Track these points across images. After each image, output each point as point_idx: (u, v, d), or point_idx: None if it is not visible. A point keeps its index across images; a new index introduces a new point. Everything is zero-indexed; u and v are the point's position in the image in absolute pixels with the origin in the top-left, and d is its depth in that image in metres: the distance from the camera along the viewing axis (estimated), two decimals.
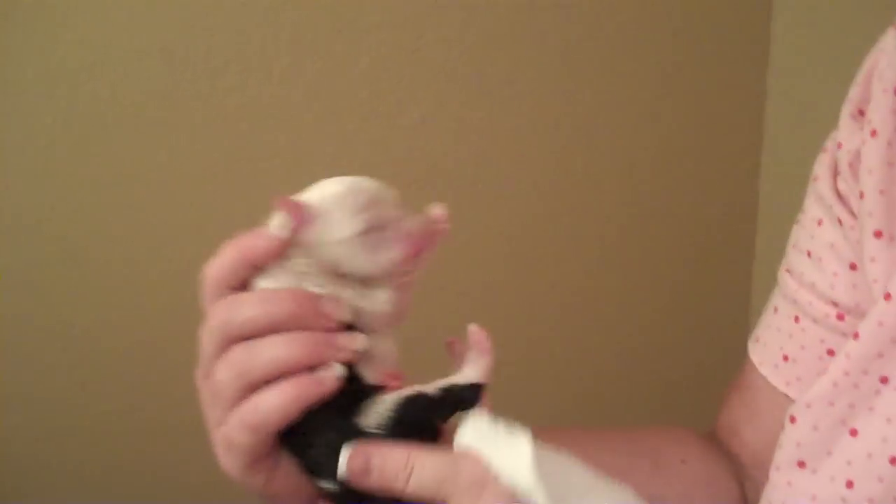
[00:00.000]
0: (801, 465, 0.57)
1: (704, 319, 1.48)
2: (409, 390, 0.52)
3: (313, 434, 0.51)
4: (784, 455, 0.58)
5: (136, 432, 1.23)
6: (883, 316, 0.54)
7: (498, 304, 1.34)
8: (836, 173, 0.63)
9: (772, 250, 1.42)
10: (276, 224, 0.53)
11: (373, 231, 0.53)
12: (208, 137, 1.18)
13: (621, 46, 1.34)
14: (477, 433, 0.51)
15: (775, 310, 0.67)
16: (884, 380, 0.54)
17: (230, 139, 1.19)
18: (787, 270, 0.66)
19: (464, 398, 0.53)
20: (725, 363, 1.47)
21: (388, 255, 0.53)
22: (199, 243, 1.20)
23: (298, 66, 1.19)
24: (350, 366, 0.52)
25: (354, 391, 0.52)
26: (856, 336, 0.56)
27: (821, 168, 0.65)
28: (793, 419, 0.58)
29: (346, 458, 0.50)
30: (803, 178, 1.32)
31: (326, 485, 0.51)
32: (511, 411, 0.53)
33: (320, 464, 0.51)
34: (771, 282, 0.70)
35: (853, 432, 0.55)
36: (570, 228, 1.37)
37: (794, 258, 0.65)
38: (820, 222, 0.63)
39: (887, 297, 0.54)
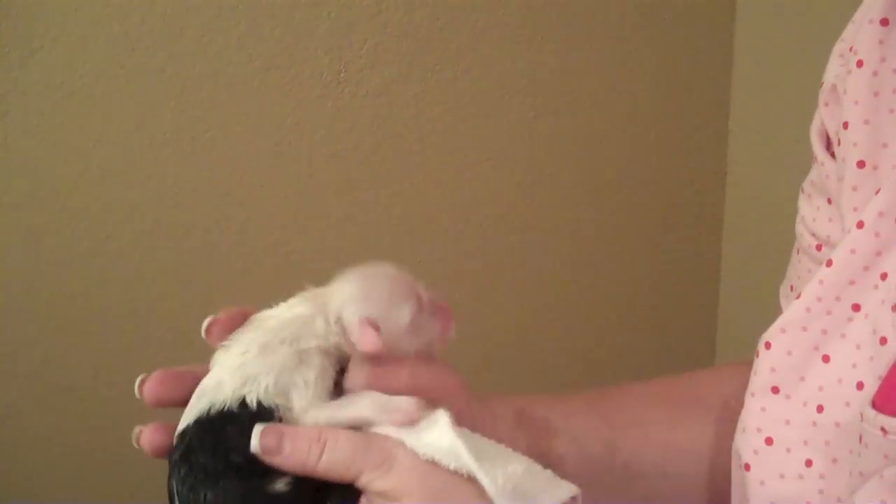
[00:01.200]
0: (775, 390, 0.58)
1: (674, 284, 1.48)
2: None
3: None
4: (758, 381, 0.59)
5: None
6: (855, 244, 0.56)
7: (463, 274, 1.33)
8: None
9: (739, 225, 1.43)
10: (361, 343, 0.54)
11: (416, 316, 0.56)
12: (166, 105, 1.16)
13: (588, 11, 1.33)
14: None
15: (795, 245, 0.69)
16: (856, 307, 0.56)
17: (189, 107, 1.17)
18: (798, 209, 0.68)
19: None
20: (693, 335, 1.49)
21: (432, 333, 0.58)
22: (162, 211, 1.19)
23: (257, 33, 1.17)
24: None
25: None
26: (829, 263, 0.57)
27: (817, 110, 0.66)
28: (767, 345, 0.59)
29: (259, 435, 0.51)
30: (770, 146, 1.33)
31: None
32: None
33: None
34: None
35: (825, 358, 0.56)
36: (538, 197, 1.36)
37: (800, 197, 0.67)
38: (815, 159, 0.64)
39: (860, 224, 0.55)
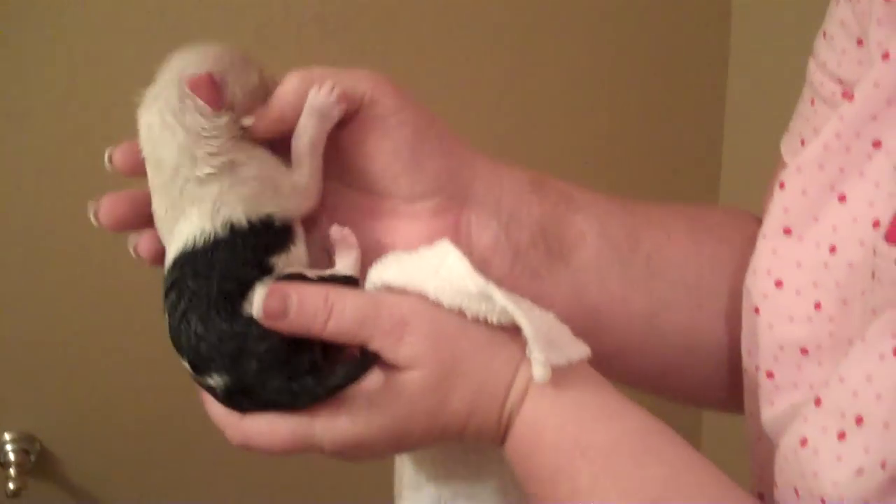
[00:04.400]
0: (787, 231, 0.57)
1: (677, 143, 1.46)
2: (291, 270, 0.52)
3: (200, 326, 0.50)
4: (771, 222, 0.58)
5: None
6: (880, 76, 0.53)
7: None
8: None
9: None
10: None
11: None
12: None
13: None
14: (396, 263, 0.53)
15: (801, 97, 0.65)
16: (876, 144, 0.53)
17: None
18: (812, 56, 0.65)
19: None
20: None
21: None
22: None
23: None
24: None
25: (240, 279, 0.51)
26: (850, 97, 0.54)
27: None
28: (782, 185, 0.57)
29: (263, 298, 0.49)
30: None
31: (213, 380, 0.50)
32: None
33: (209, 357, 0.50)
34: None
35: (841, 198, 0.54)
36: (540, 58, 1.33)
37: (816, 42, 0.63)
38: (837, 2, 0.60)
39: (885, 56, 0.52)
